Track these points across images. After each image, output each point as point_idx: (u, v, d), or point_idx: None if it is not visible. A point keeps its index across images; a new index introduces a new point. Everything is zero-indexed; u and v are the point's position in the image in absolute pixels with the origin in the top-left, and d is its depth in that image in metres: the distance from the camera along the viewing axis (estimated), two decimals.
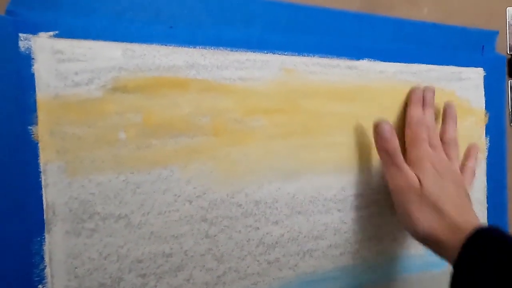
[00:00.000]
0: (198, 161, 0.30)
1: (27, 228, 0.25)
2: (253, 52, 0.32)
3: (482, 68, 0.43)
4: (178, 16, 0.30)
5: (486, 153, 0.44)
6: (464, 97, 0.42)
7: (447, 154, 0.37)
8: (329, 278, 0.35)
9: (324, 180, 0.35)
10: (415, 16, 0.41)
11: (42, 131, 0.26)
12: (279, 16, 0.33)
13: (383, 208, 0.38)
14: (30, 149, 0.25)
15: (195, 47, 0.30)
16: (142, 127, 0.28)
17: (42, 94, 0.26)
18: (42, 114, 0.26)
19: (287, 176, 0.34)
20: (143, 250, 0.29)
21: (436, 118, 0.39)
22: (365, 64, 0.37)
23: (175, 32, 0.29)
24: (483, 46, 0.44)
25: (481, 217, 0.44)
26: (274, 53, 0.33)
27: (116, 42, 0.28)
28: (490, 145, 0.44)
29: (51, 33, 0.26)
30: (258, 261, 0.33)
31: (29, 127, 0.25)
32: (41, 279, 0.26)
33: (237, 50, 0.32)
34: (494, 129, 0.44)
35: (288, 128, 0.34)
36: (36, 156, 0.25)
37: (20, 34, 0.25)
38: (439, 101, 0.41)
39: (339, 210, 0.36)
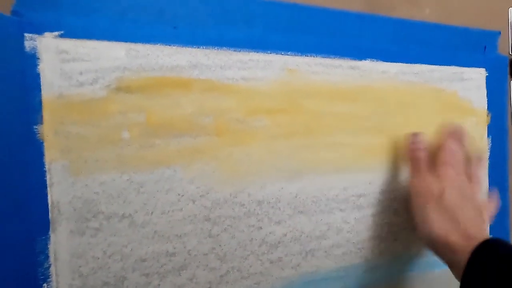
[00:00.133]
0: (201, 161, 0.30)
1: (32, 227, 0.26)
2: (256, 52, 0.32)
3: (484, 69, 0.43)
4: (182, 17, 0.30)
5: (488, 154, 0.44)
6: (466, 98, 0.43)
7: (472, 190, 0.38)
8: (331, 277, 0.35)
9: (327, 180, 0.35)
10: (417, 17, 0.41)
11: (47, 130, 0.26)
12: (281, 16, 0.34)
13: (385, 208, 0.38)
14: (35, 148, 0.25)
15: (198, 47, 0.30)
16: (146, 127, 0.29)
17: (47, 93, 0.26)
18: (47, 113, 0.26)
19: (290, 176, 0.34)
20: (147, 249, 0.29)
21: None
22: (367, 64, 0.37)
23: (179, 32, 0.30)
24: (485, 47, 0.44)
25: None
26: (276, 53, 0.33)
27: (120, 42, 0.28)
28: (492, 146, 0.44)
29: (56, 33, 0.26)
30: (260, 260, 0.33)
31: (34, 127, 0.25)
32: (46, 277, 0.26)
33: (240, 50, 0.32)
34: (496, 130, 0.45)
35: (291, 128, 0.34)
36: (41, 155, 0.26)
37: (26, 34, 0.25)
38: (441, 101, 0.41)
39: (341, 210, 0.36)
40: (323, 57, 0.35)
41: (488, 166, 0.44)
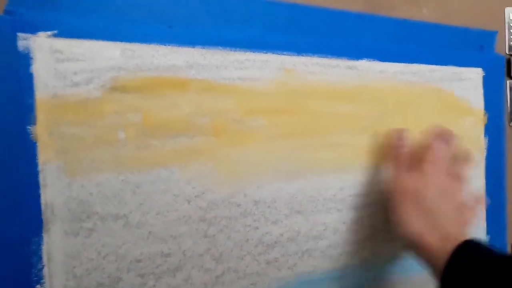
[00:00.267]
0: (197, 162, 0.30)
1: (26, 228, 0.25)
2: (253, 52, 0.32)
3: (481, 68, 0.43)
4: (178, 16, 0.30)
5: (485, 153, 0.44)
6: (464, 97, 0.43)
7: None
8: (328, 278, 0.35)
9: (324, 180, 0.35)
10: (414, 16, 0.41)
11: (40, 131, 0.25)
12: (278, 16, 0.33)
13: (382, 208, 0.38)
14: (29, 149, 0.25)
15: (194, 47, 0.30)
16: (142, 127, 0.28)
17: (41, 93, 0.25)
18: (41, 114, 0.25)
19: (287, 176, 0.33)
20: (142, 250, 0.29)
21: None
22: (364, 64, 0.37)
23: (175, 32, 0.29)
24: (482, 46, 0.44)
25: (480, 216, 0.44)
26: (273, 53, 0.33)
27: (115, 42, 0.27)
28: (489, 145, 0.44)
29: (50, 32, 0.26)
30: (257, 261, 0.33)
31: (28, 127, 0.25)
32: (39, 279, 0.26)
33: (236, 50, 0.31)
34: (493, 129, 0.45)
35: (288, 129, 0.33)
36: (34, 156, 0.25)
37: (19, 34, 0.25)
38: (439, 101, 0.41)
39: (338, 210, 0.36)
40: (321, 57, 0.35)
41: (485, 166, 0.44)
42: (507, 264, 0.29)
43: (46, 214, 0.26)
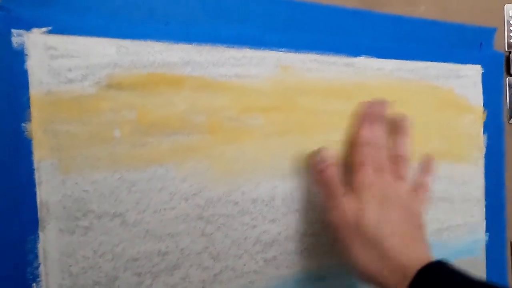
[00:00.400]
0: (193, 159, 0.30)
1: (21, 226, 0.25)
2: (250, 49, 0.32)
3: (480, 65, 0.43)
4: (173, 12, 0.30)
5: (484, 151, 0.44)
6: (462, 94, 0.42)
7: (396, 174, 0.34)
8: (326, 276, 0.35)
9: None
10: (412, 13, 0.41)
11: (35, 128, 0.25)
12: (275, 12, 0.33)
13: None
14: (24, 146, 0.25)
15: (190, 44, 0.30)
16: (137, 125, 0.28)
17: (36, 90, 0.25)
18: (35, 111, 0.25)
19: (284, 174, 0.33)
20: (139, 248, 0.28)
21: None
22: (362, 61, 0.37)
23: (170, 29, 0.29)
24: (481, 43, 0.44)
25: (479, 215, 0.44)
26: (270, 50, 0.33)
27: (110, 39, 0.27)
28: (488, 143, 0.44)
29: (44, 29, 0.25)
30: (255, 259, 0.32)
31: (22, 124, 0.25)
32: (35, 277, 0.26)
33: (233, 47, 0.31)
34: (492, 127, 0.44)
35: (285, 126, 0.33)
36: (29, 153, 0.25)
37: (13, 30, 0.25)
38: (436, 98, 0.41)
39: None
40: (318, 54, 0.35)
41: (484, 163, 0.44)
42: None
43: (41, 212, 0.26)
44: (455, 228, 0.42)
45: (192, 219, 0.30)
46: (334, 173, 0.32)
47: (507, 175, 0.46)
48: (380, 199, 0.31)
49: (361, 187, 0.32)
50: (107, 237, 0.27)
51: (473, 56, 0.43)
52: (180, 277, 0.30)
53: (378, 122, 0.34)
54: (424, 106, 0.40)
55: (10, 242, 0.25)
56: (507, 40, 0.47)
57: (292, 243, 0.34)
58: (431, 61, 0.40)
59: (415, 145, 0.38)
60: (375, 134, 0.34)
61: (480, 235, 0.44)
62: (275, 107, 0.33)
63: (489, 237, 0.44)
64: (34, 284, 0.25)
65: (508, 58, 0.46)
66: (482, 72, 0.43)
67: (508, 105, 0.47)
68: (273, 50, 0.33)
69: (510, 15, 0.47)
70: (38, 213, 0.25)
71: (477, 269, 0.44)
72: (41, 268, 0.26)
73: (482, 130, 0.44)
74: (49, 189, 0.26)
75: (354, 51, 0.36)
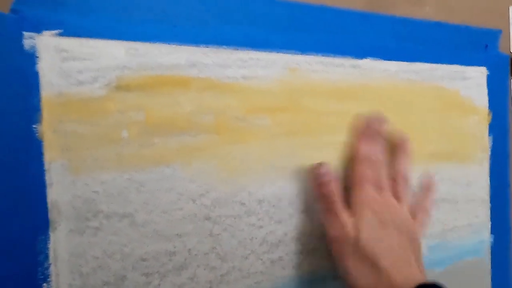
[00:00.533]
0: (201, 160, 0.30)
1: (32, 226, 0.25)
2: (256, 51, 0.32)
3: (485, 67, 0.43)
4: (181, 15, 0.30)
5: (490, 152, 0.44)
6: (467, 96, 0.42)
7: (396, 195, 0.34)
8: (332, 277, 0.35)
9: None
10: (417, 15, 0.41)
11: (46, 129, 0.26)
12: (282, 14, 0.33)
13: None
14: (35, 147, 0.25)
15: (197, 46, 0.30)
16: (145, 126, 0.28)
17: (46, 92, 0.26)
18: (46, 112, 0.26)
19: (291, 174, 0.33)
20: (147, 248, 0.29)
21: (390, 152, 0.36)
22: (368, 63, 0.37)
23: (178, 31, 0.29)
24: (486, 45, 0.44)
25: (484, 216, 0.44)
26: (277, 52, 0.33)
27: (120, 41, 0.28)
28: (493, 144, 0.44)
29: (56, 31, 0.26)
30: (261, 260, 0.33)
31: (34, 126, 0.25)
32: (46, 277, 0.26)
33: (240, 49, 0.32)
34: (497, 128, 0.44)
35: (291, 127, 0.34)
36: (40, 154, 0.25)
37: (25, 33, 0.25)
38: (442, 100, 0.41)
39: None
40: (324, 56, 0.35)
41: (489, 165, 0.44)
42: None
43: (52, 212, 0.26)
44: (459, 229, 0.42)
45: (200, 220, 0.30)
46: (334, 188, 0.32)
47: None
48: (379, 218, 0.31)
49: (360, 204, 0.32)
50: (116, 237, 0.28)
51: (478, 58, 0.43)
52: (188, 277, 0.30)
53: (377, 138, 0.34)
54: (429, 107, 0.40)
55: (21, 242, 0.25)
56: None
57: (298, 244, 0.34)
58: (437, 63, 0.40)
59: (420, 146, 0.39)
60: (374, 149, 0.34)
61: (485, 236, 0.44)
62: (282, 108, 0.33)
63: (494, 238, 0.45)
64: (44, 284, 0.26)
65: None
66: (487, 74, 0.43)
67: None
68: (279, 52, 0.33)
69: None
70: (49, 214, 0.26)
71: (482, 270, 0.44)
72: (52, 268, 0.26)
73: (487, 132, 0.44)
74: (59, 190, 0.26)
75: (360, 53, 0.36)
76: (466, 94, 0.42)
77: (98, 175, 0.27)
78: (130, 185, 0.28)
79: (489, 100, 0.44)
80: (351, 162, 0.34)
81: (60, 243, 0.26)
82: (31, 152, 0.25)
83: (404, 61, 0.39)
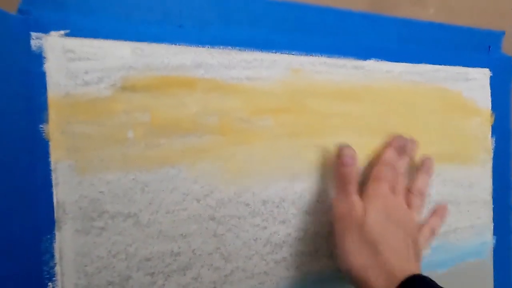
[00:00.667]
0: (205, 160, 0.30)
1: (38, 226, 0.25)
2: (261, 51, 0.32)
3: (488, 69, 0.43)
4: (187, 16, 0.30)
5: (492, 154, 0.44)
6: (470, 98, 0.43)
7: (409, 204, 0.35)
8: (336, 278, 0.35)
9: (330, 180, 0.35)
10: (421, 16, 0.41)
11: (53, 129, 0.26)
12: (286, 16, 0.34)
13: None
14: (41, 147, 0.25)
15: (203, 47, 0.30)
16: (150, 126, 0.29)
17: (53, 92, 0.26)
18: (52, 112, 0.26)
19: (294, 175, 0.34)
20: (152, 249, 0.29)
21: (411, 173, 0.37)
22: (371, 64, 0.37)
23: (184, 32, 0.30)
24: (489, 47, 0.44)
25: (487, 217, 0.44)
26: (281, 53, 0.33)
27: (126, 41, 0.28)
28: (496, 146, 0.44)
29: (62, 32, 0.26)
30: (265, 260, 0.33)
31: (40, 126, 0.25)
32: (51, 276, 0.26)
33: (244, 50, 0.32)
34: (500, 130, 0.44)
35: (295, 128, 0.34)
36: (47, 154, 0.26)
37: (32, 33, 0.25)
38: (445, 101, 0.41)
39: None
40: (327, 57, 0.35)
41: (491, 166, 0.44)
42: None
43: (58, 212, 0.26)
44: (462, 230, 0.42)
45: (204, 220, 0.30)
46: (354, 171, 0.33)
47: None
48: (388, 213, 0.32)
49: (373, 196, 0.33)
50: (121, 237, 0.28)
51: (482, 60, 0.43)
52: (192, 277, 0.30)
53: (404, 153, 0.35)
54: (432, 108, 0.40)
55: (27, 242, 0.25)
56: None
57: (302, 244, 0.34)
58: (440, 64, 0.41)
59: (423, 147, 0.39)
60: (398, 159, 0.35)
61: (488, 238, 0.44)
62: (285, 109, 0.33)
63: (496, 239, 0.45)
64: (50, 284, 0.26)
65: None
66: (490, 76, 0.44)
67: None
68: (283, 53, 0.33)
69: None
70: (55, 214, 0.26)
71: (484, 271, 0.44)
72: (57, 268, 0.26)
73: (490, 133, 0.44)
74: (65, 190, 0.26)
75: (363, 54, 0.37)
76: (469, 95, 0.42)
77: (103, 176, 0.27)
78: (135, 185, 0.28)
79: (492, 102, 0.44)
80: (372, 163, 0.35)
81: (66, 243, 0.26)
82: (37, 152, 0.25)
83: (407, 62, 0.39)
